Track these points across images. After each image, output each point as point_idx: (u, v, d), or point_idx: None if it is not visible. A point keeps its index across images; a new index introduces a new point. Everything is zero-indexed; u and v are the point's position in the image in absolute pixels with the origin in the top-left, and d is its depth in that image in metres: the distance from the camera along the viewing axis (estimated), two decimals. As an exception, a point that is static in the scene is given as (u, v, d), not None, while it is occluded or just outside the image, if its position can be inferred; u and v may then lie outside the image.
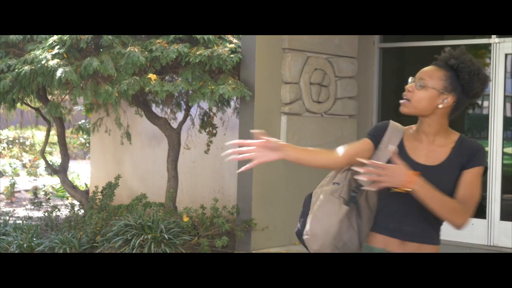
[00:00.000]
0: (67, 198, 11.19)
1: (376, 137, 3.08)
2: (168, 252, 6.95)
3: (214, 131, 8.70)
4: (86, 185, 12.37)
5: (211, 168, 9.91)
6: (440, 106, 2.91)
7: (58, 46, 7.46)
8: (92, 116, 10.68)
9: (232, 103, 8.42)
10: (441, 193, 2.82)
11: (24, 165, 17.66)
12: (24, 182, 13.93)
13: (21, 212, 10.67)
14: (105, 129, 10.18)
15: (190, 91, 7.64)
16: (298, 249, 7.78)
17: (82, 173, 15.12)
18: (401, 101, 2.98)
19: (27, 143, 21.43)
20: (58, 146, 9.87)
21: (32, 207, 10.73)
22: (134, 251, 6.93)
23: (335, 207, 3.08)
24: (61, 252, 7.29)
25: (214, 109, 8.61)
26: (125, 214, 7.63)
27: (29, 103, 9.69)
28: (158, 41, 7.48)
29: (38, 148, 19.89)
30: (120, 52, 7.29)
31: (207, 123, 8.71)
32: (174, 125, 8.67)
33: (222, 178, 9.81)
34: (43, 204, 10.64)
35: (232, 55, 7.30)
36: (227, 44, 7.49)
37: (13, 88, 7.51)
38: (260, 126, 7.68)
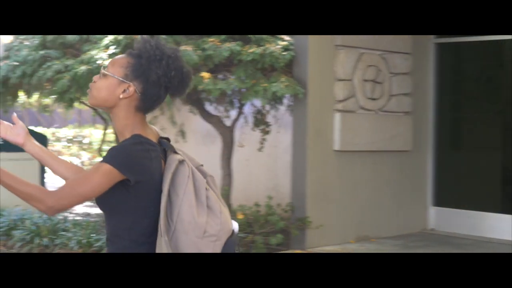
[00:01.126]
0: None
1: None
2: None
3: (267, 129, 8.69)
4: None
5: (265, 166, 9.92)
6: (121, 96, 2.60)
7: (114, 46, 7.55)
8: (147, 115, 10.79)
9: (285, 101, 8.40)
10: (19, 180, 2.52)
11: (82, 163, 17.94)
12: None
13: (80, 209, 10.85)
14: (160, 128, 10.26)
15: (243, 89, 7.66)
16: (354, 248, 7.74)
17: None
18: (88, 91, 2.74)
19: (85, 141, 21.77)
20: (115, 145, 9.99)
21: (91, 204, 10.89)
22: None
23: None
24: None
25: (267, 107, 8.61)
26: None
27: (86, 102, 9.85)
28: (210, 39, 7.51)
29: (95, 146, 20.19)
30: (173, 51, 7.34)
31: (260, 121, 8.71)
32: (228, 123, 8.69)
33: (276, 176, 9.80)
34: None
35: (284, 53, 7.29)
36: (280, 42, 7.48)
37: (71, 88, 7.63)
38: (314, 124, 7.67)
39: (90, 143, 21.50)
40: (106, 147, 19.17)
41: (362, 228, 8.28)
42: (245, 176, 9.99)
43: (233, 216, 7.47)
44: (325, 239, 7.79)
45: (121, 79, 2.58)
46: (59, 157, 2.88)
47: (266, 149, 9.00)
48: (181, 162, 2.64)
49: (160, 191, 2.56)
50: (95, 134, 21.89)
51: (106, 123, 9.93)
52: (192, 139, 10.60)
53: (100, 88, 2.60)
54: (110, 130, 10.32)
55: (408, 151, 8.80)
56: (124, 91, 2.58)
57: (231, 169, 8.52)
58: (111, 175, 2.50)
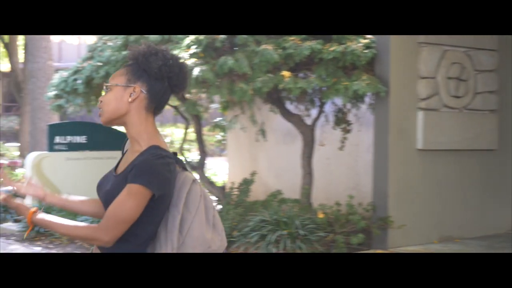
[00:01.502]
0: (205, 194, 11.41)
1: (123, 151, 2.90)
2: (303, 247, 6.95)
3: (349, 128, 8.63)
4: (223, 181, 12.60)
5: (346, 165, 9.85)
6: (130, 100, 2.65)
7: (195, 46, 7.62)
8: (228, 114, 10.86)
9: (366, 99, 8.32)
10: (64, 223, 2.63)
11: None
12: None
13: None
14: (240, 127, 10.33)
15: (324, 88, 7.61)
16: (437, 248, 7.60)
17: (219, 169, 15.41)
18: (99, 113, 2.75)
19: (167, 140, 22.12)
20: (196, 143, 10.11)
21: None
22: (270, 247, 6.99)
23: None
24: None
25: (349, 106, 8.54)
26: (261, 209, 7.71)
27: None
28: (291, 38, 7.49)
29: (177, 145, 20.49)
30: (254, 50, 7.37)
31: (341, 120, 8.66)
32: (308, 121, 8.67)
33: (357, 175, 9.72)
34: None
35: (366, 51, 7.21)
36: (361, 40, 7.41)
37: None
38: (396, 122, 7.56)
39: (171, 142, 21.84)
40: (187, 146, 19.47)
41: (445, 228, 8.12)
42: (325, 175, 9.95)
43: (314, 215, 7.46)
44: (407, 239, 7.67)
45: (124, 84, 2.66)
46: (76, 197, 2.93)
47: (347, 148, 8.93)
48: (194, 181, 2.73)
49: (169, 202, 2.68)
50: (176, 133, 22.23)
51: (187, 122, 10.04)
52: (272, 138, 10.62)
53: (109, 101, 2.67)
54: (191, 129, 10.44)
55: (493, 150, 8.58)
56: (131, 94, 2.66)
57: (312, 168, 8.49)
58: (144, 194, 2.57)
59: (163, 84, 2.68)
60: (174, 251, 2.64)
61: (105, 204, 2.67)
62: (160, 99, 2.69)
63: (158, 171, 2.59)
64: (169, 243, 2.64)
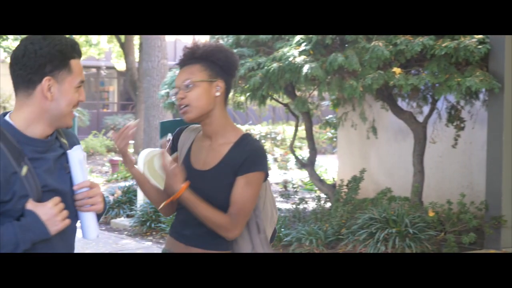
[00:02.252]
0: (315, 191, 11.47)
1: (174, 143, 2.90)
2: (412, 246, 6.87)
3: (462, 125, 8.46)
4: (333, 178, 12.60)
5: (459, 163, 9.64)
6: (217, 94, 2.73)
7: (305, 43, 7.65)
8: (339, 111, 10.85)
9: (481, 96, 8.12)
10: (207, 206, 2.66)
11: (275, 159, 18.37)
12: (275, 176, 14.48)
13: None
14: (351, 124, 10.30)
15: (436, 84, 7.49)
16: (552, 249, 7.34)
17: (329, 167, 15.41)
18: (181, 111, 2.74)
19: (278, 138, 22.28)
20: (307, 141, 10.16)
21: (282, 199, 11.14)
22: (378, 245, 6.95)
23: None
24: (307, 243, 7.49)
25: (462, 102, 8.37)
26: (370, 207, 7.67)
27: (278, 99, 10.07)
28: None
29: (288, 142, 20.61)
30: (364, 46, 7.32)
31: (454, 117, 8.49)
32: (420, 119, 8.55)
33: (470, 173, 9.50)
34: (292, 196, 11.00)
35: (480, 46, 7.03)
36: (475, 35, 7.23)
37: (263, 85, 7.83)
38: (510, 119, 7.34)
39: (283, 140, 21.99)
40: (298, 143, 19.56)
41: None
42: (438, 173, 9.78)
43: (424, 213, 7.35)
44: (522, 239, 7.44)
45: (209, 80, 2.73)
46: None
47: (461, 145, 8.75)
48: None
49: None
50: (288, 130, 22.35)
51: (297, 120, 10.09)
52: (384, 135, 10.52)
53: (198, 96, 2.71)
54: (302, 127, 10.48)
55: None
56: (216, 88, 2.75)
57: (423, 166, 8.37)
58: (261, 179, 2.72)
59: (232, 78, 2.83)
60: (265, 235, 2.79)
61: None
62: (228, 94, 2.82)
63: (265, 154, 2.76)
64: (254, 229, 2.78)
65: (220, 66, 2.76)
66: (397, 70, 7.29)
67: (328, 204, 9.19)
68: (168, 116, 14.71)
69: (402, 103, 8.91)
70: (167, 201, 2.73)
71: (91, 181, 2.44)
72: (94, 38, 23.17)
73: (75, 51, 2.38)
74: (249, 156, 2.68)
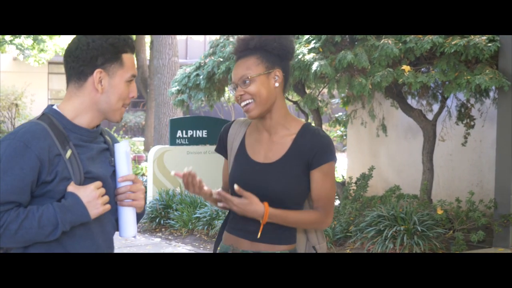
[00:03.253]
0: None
1: (223, 148, 2.85)
2: (420, 244, 6.86)
3: (472, 123, 8.44)
4: (342, 176, 12.60)
5: (469, 161, 9.63)
6: (276, 84, 2.65)
7: (314, 41, 7.66)
8: (348, 109, 10.85)
9: (490, 94, 8.10)
10: (294, 212, 2.65)
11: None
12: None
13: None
14: (361, 122, 10.29)
15: (446, 82, 7.48)
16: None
17: (339, 164, 15.39)
18: (244, 108, 2.67)
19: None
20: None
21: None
22: (386, 242, 6.95)
23: None
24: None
25: (472, 100, 8.35)
26: (378, 205, 7.67)
27: (288, 96, 10.07)
28: (410, 32, 7.39)
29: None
30: (374, 44, 7.32)
31: (464, 115, 8.48)
32: (430, 116, 8.54)
33: (480, 172, 9.48)
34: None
35: (489, 44, 7.01)
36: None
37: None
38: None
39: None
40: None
41: None
42: (447, 171, 9.77)
43: (433, 211, 7.35)
44: (531, 238, 7.42)
45: (266, 72, 2.65)
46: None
47: (471, 143, 8.74)
48: None
49: None
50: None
51: (306, 117, 10.10)
52: (393, 133, 10.53)
53: (258, 91, 2.64)
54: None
55: None
56: (275, 78, 2.67)
57: (432, 164, 8.36)
58: (334, 167, 2.74)
59: (289, 62, 2.75)
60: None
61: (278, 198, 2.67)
62: (288, 81, 2.76)
63: (332, 141, 2.74)
64: None
65: (276, 54, 2.69)
66: (406, 67, 7.27)
67: (337, 202, 9.19)
68: (178, 114, 14.75)
69: (411, 101, 8.90)
70: (261, 228, 2.66)
71: (135, 175, 2.46)
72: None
73: (128, 46, 2.42)
74: (320, 148, 2.65)
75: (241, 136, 2.81)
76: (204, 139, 10.38)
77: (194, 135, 10.36)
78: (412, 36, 7.29)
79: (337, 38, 7.53)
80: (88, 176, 2.33)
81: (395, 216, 7.18)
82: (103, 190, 2.33)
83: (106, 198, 2.33)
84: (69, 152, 2.30)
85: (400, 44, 7.30)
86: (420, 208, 7.49)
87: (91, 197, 2.28)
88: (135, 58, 2.48)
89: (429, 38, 7.15)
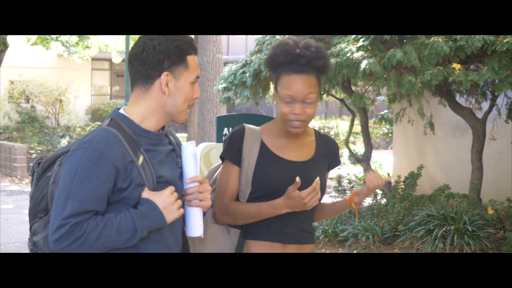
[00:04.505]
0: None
1: (236, 154, 2.80)
2: (471, 244, 6.80)
3: (522, 121, 8.32)
4: (388, 174, 12.52)
5: (518, 160, 9.49)
6: (318, 102, 2.88)
7: (363, 39, 7.61)
8: (394, 106, 10.76)
9: (543, 92, 7.98)
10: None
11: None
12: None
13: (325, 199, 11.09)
14: (407, 120, 10.21)
15: (496, 80, 7.37)
16: None
17: (385, 162, 15.31)
18: (293, 124, 2.72)
19: (332, 132, 22.22)
20: (362, 136, 10.11)
21: (336, 194, 11.09)
22: (436, 242, 6.89)
23: (224, 234, 2.82)
24: (363, 239, 7.46)
25: (523, 99, 8.23)
26: (427, 204, 7.61)
27: (335, 94, 10.03)
28: (463, 30, 7.30)
29: (341, 137, 20.53)
30: (423, 42, 7.25)
31: (514, 113, 8.36)
32: (479, 115, 8.44)
33: (530, 171, 9.34)
34: (347, 191, 10.95)
35: (543, 42, 6.90)
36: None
37: (320, 81, 7.81)
38: None
39: (336, 134, 21.91)
40: (353, 138, 19.47)
41: None
42: (496, 170, 9.64)
43: (483, 211, 7.26)
44: None
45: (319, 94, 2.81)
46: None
47: (521, 142, 8.62)
48: None
49: None
50: (341, 125, 22.28)
51: (353, 115, 10.05)
52: (441, 131, 10.42)
53: (313, 113, 2.77)
54: (356, 122, 10.44)
55: None
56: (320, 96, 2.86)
57: (482, 163, 8.26)
58: None
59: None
60: None
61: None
62: None
63: None
64: None
65: (322, 78, 2.86)
66: (456, 66, 7.18)
67: (384, 200, 9.14)
68: (222, 110, 14.78)
69: (460, 99, 8.80)
70: (356, 213, 3.05)
71: (202, 176, 2.48)
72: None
73: (191, 47, 2.43)
74: (337, 153, 2.96)
75: (259, 141, 2.83)
76: (250, 136, 10.38)
77: (240, 133, 10.36)
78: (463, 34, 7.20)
79: (386, 36, 7.47)
80: (160, 181, 2.35)
81: (445, 215, 7.12)
82: (176, 195, 2.35)
83: (180, 202, 2.36)
84: (141, 158, 2.32)
85: (451, 42, 7.21)
86: (470, 207, 7.41)
87: (167, 202, 2.31)
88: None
89: (481, 36, 7.06)
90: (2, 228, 9.54)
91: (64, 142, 17.89)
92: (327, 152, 2.90)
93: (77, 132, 19.09)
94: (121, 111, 2.41)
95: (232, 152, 2.82)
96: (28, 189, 14.00)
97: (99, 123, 2.63)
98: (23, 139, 18.66)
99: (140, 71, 2.38)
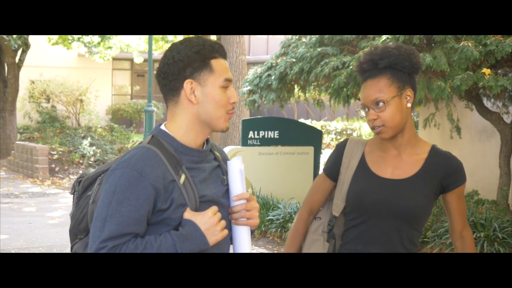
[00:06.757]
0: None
1: (335, 168, 2.81)
2: (501, 251, 6.72)
3: (551, 126, 8.22)
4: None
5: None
6: (409, 104, 2.66)
7: (391, 43, 7.54)
8: (425, 112, 10.68)
9: None
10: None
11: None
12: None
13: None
14: (434, 123, 10.13)
15: (526, 85, 7.29)
16: None
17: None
18: (376, 131, 2.64)
19: (354, 134, 22.11)
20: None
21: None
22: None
23: (320, 247, 2.81)
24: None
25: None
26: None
27: (359, 96, 9.97)
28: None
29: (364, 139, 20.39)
30: (453, 47, 7.18)
31: (543, 118, 8.27)
32: (507, 119, 8.35)
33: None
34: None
35: None
36: None
37: (347, 84, 7.77)
38: None
39: (359, 136, 21.80)
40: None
41: None
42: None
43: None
44: None
45: (399, 93, 2.62)
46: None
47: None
48: None
49: None
50: (364, 127, 22.16)
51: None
52: (467, 135, 10.34)
53: (392, 116, 2.61)
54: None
55: None
56: (406, 99, 2.66)
57: (510, 168, 8.18)
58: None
59: (415, 78, 2.73)
60: None
61: (406, 215, 2.66)
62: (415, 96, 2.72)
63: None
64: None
65: (406, 72, 2.66)
66: (486, 71, 7.11)
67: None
68: (245, 113, 14.77)
69: (487, 103, 8.72)
70: None
71: (249, 193, 2.39)
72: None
73: (216, 51, 2.33)
74: (455, 171, 2.70)
75: (360, 154, 2.77)
76: (276, 140, 10.34)
77: (266, 136, 10.33)
78: (493, 38, 7.12)
79: (415, 40, 7.40)
80: (203, 200, 2.28)
81: (475, 222, 7.04)
82: (220, 215, 2.26)
83: (224, 223, 2.27)
84: (183, 177, 2.24)
85: (480, 46, 7.14)
86: (500, 214, 7.33)
87: (210, 224, 2.22)
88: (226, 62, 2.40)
89: (511, 41, 6.98)
90: (25, 232, 9.49)
91: (85, 143, 17.85)
92: (439, 171, 2.69)
93: (98, 132, 19.08)
94: (162, 127, 2.34)
95: (329, 164, 2.84)
96: (50, 190, 14.07)
97: (139, 139, 2.57)
98: (44, 139, 18.68)
99: (166, 84, 2.31)
